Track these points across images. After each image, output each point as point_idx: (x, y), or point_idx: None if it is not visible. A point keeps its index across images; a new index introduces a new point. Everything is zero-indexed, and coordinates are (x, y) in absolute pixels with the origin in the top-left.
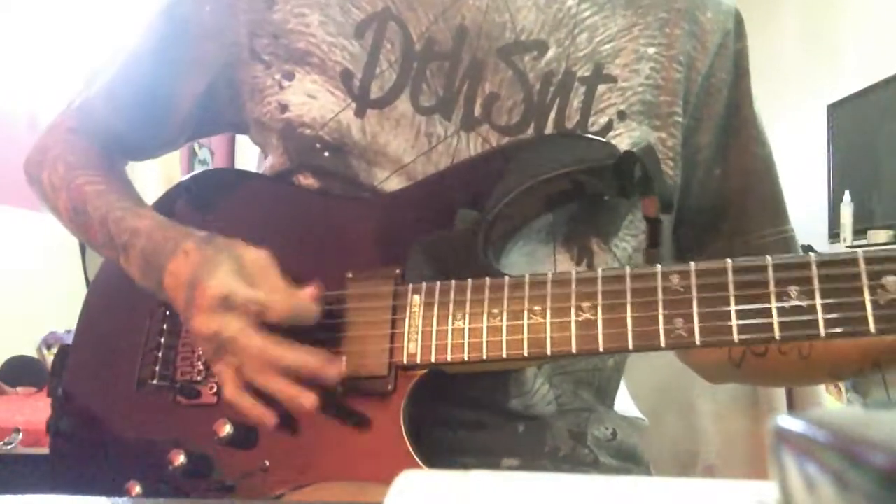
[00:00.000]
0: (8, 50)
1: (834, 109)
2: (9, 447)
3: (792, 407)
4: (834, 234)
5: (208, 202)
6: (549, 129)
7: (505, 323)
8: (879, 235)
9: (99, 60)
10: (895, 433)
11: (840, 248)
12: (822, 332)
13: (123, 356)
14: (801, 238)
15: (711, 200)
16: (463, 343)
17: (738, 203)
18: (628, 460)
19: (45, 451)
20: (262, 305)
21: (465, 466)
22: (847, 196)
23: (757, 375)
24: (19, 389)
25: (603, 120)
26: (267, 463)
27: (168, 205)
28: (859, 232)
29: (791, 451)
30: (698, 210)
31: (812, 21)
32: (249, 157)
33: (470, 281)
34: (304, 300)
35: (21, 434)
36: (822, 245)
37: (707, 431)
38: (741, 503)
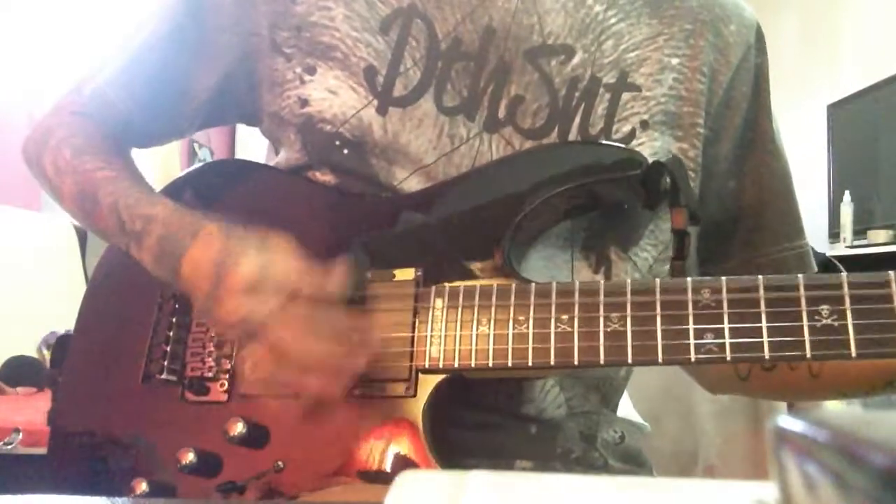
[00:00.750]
0: (7, 50)
1: (834, 109)
2: (9, 447)
3: (792, 407)
4: (834, 234)
5: (218, 194)
6: (573, 135)
7: (531, 331)
8: (879, 235)
9: (109, 45)
10: (895, 433)
11: (840, 248)
12: (854, 352)
13: (128, 349)
14: None
15: (726, 213)
16: (487, 349)
17: (754, 217)
18: (634, 463)
19: (45, 451)
20: (293, 288)
21: (479, 468)
22: (847, 196)
23: (763, 390)
24: (19, 389)
25: (626, 128)
26: (281, 464)
27: (175, 196)
28: (859, 232)
29: (791, 451)
30: (713, 222)
31: (812, 21)
32: (249, 156)
33: (495, 285)
34: (334, 282)
35: (21, 434)
36: (823, 245)
37: (707, 432)
38: (741, 503)
